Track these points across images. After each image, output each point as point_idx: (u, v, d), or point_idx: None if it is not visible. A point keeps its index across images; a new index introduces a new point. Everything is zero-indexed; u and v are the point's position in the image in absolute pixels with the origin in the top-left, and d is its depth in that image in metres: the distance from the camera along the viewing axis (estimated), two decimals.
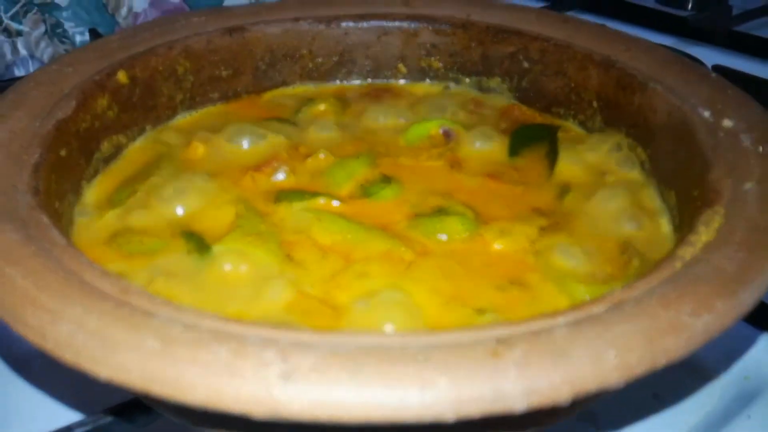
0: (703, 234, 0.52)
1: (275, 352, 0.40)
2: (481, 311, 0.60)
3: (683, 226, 0.66)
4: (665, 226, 0.71)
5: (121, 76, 0.78)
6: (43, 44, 1.36)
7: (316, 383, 0.39)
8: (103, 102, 0.75)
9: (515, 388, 0.39)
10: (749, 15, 1.51)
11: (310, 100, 0.92)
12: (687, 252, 0.51)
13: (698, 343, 0.43)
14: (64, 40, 1.38)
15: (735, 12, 1.50)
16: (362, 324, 0.58)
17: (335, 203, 0.73)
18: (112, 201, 0.73)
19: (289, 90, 0.95)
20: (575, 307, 0.46)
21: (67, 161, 0.69)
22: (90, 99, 0.73)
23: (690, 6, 1.60)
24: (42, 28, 1.34)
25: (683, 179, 0.69)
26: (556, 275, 0.64)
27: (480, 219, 0.71)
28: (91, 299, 0.44)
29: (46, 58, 1.35)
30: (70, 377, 0.46)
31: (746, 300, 0.45)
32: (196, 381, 0.39)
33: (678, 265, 0.49)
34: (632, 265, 0.65)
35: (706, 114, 0.68)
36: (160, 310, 0.44)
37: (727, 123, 0.66)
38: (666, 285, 0.47)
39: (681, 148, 0.70)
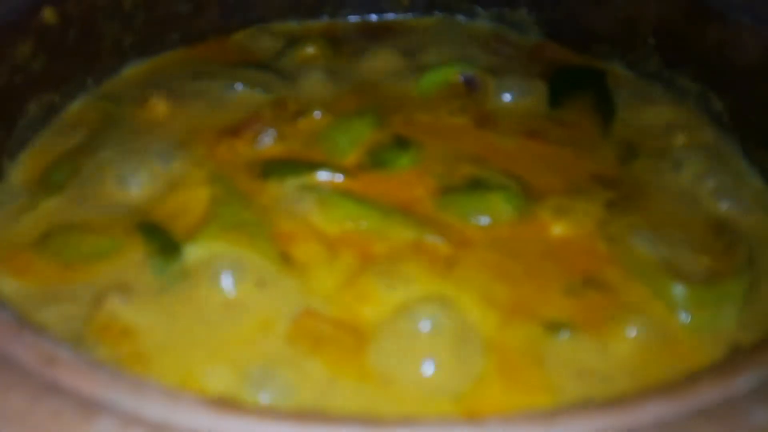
0: None
1: None
2: (554, 327, 0.44)
3: None
4: (763, 195, 0.55)
5: (48, 15, 0.58)
6: None
7: None
8: (24, 49, 0.56)
9: None
10: None
11: (294, 42, 0.73)
12: None
13: None
14: None
15: None
16: (395, 358, 0.42)
17: (339, 178, 0.55)
18: (48, 183, 0.54)
19: (266, 28, 0.76)
20: (747, 356, 0.30)
21: None
22: (6, 46, 0.54)
23: None
24: None
25: None
26: (644, 269, 0.48)
27: (529, 193, 0.54)
28: None
29: None
30: None
31: None
32: None
33: None
34: (738, 254, 0.49)
35: None
36: (106, 392, 0.27)
37: None
38: None
39: None
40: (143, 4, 0.66)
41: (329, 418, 0.26)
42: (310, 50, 0.71)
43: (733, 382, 0.28)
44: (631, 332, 0.44)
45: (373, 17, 0.78)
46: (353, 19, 0.78)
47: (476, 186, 0.55)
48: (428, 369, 0.41)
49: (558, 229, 0.52)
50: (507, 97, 0.66)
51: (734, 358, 0.30)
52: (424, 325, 0.43)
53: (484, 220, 0.52)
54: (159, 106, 0.62)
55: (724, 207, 0.54)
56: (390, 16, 0.78)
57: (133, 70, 0.67)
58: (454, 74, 0.68)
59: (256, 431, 0.25)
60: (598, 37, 0.71)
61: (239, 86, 0.64)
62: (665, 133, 0.62)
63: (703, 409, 0.27)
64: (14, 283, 0.46)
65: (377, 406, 0.39)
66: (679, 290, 0.46)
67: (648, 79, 0.68)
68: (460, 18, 0.78)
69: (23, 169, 0.56)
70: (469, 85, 0.67)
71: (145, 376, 0.30)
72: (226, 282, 0.45)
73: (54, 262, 0.47)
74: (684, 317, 0.45)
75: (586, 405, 0.27)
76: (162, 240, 0.48)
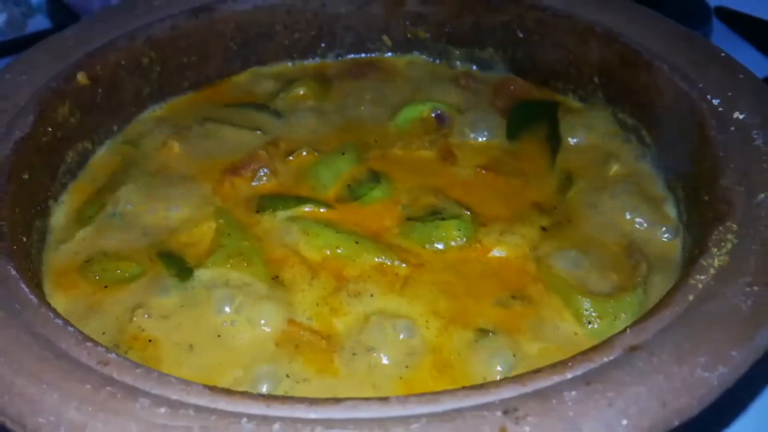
0: (716, 258, 0.52)
1: None
2: (483, 332, 0.60)
3: (691, 228, 0.66)
4: (672, 222, 0.70)
5: (81, 78, 0.75)
6: None
7: None
8: (63, 110, 0.73)
9: None
10: None
11: (289, 83, 0.89)
12: (699, 281, 0.50)
13: (713, 398, 0.43)
14: (19, 2, 1.34)
15: None
16: (357, 357, 0.58)
17: (322, 210, 0.72)
18: (81, 218, 0.72)
19: (265, 70, 0.93)
20: (585, 355, 0.46)
21: (31, 184, 0.67)
22: (49, 109, 0.71)
23: None
24: None
25: (692, 175, 0.68)
26: (560, 286, 0.64)
27: (477, 220, 0.70)
28: (70, 380, 0.44)
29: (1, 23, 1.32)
30: None
31: (762, 345, 0.45)
32: None
33: (690, 297, 0.49)
34: (639, 272, 0.64)
35: (716, 102, 0.67)
36: (142, 384, 0.44)
37: (738, 115, 0.65)
38: (679, 328, 0.47)
39: (689, 139, 0.69)
40: (158, 60, 0.83)
41: (289, 399, 0.43)
42: (301, 91, 0.88)
43: (564, 373, 0.44)
44: (542, 337, 0.60)
45: (360, 56, 0.95)
46: (342, 58, 0.95)
47: (434, 215, 0.71)
48: (380, 366, 0.58)
49: (498, 252, 0.68)
50: (470, 133, 0.82)
51: (572, 357, 0.46)
52: (379, 333, 0.60)
53: (439, 246, 0.69)
54: (173, 149, 0.79)
55: (638, 232, 0.69)
56: (374, 55, 0.95)
57: (151, 115, 0.85)
58: (427, 111, 0.84)
59: (235, 406, 0.42)
60: (554, 74, 0.87)
61: (240, 129, 0.82)
62: (602, 162, 0.77)
63: (538, 392, 0.43)
64: (64, 300, 0.63)
65: (340, 393, 0.56)
66: (585, 303, 0.62)
67: (596, 113, 0.83)
68: (436, 56, 0.94)
69: (64, 208, 0.73)
70: (440, 121, 0.84)
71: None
72: (230, 299, 0.62)
73: (94, 283, 0.65)
74: (588, 325, 0.61)
75: (459, 390, 0.44)
76: (178, 266, 0.65)
